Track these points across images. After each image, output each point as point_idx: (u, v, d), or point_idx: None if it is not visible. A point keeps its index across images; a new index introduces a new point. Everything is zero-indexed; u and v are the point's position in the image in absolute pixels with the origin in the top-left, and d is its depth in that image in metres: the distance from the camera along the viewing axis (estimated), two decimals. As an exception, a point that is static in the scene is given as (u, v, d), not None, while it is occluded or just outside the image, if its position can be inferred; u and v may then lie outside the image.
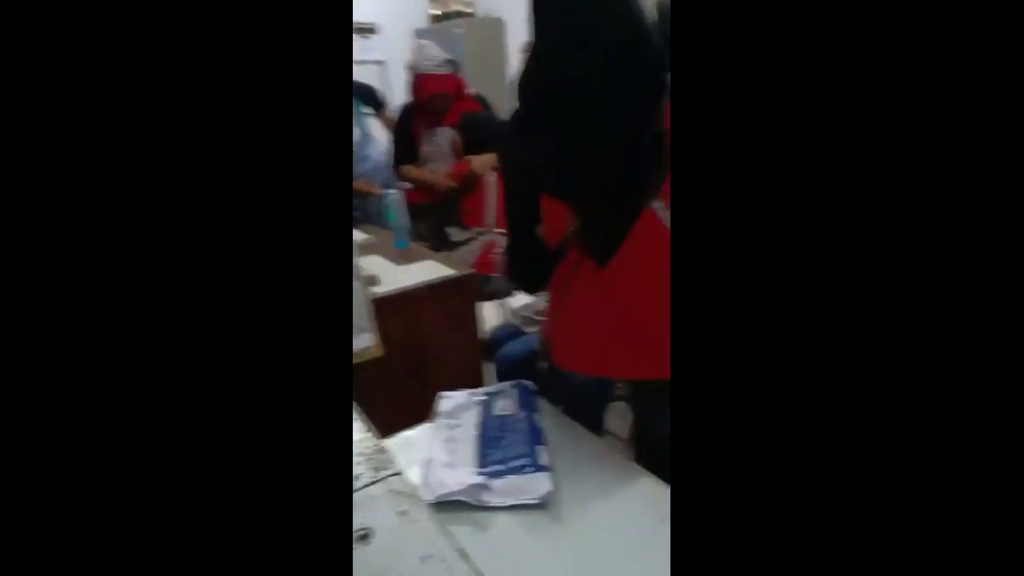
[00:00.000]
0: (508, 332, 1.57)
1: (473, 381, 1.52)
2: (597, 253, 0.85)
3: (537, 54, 0.78)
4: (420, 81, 1.83)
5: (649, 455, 1.04)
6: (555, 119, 0.79)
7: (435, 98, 1.84)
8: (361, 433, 0.68)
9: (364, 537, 0.51)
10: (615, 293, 0.88)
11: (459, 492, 0.80)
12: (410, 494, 0.56)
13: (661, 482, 0.85)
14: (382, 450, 0.63)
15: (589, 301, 0.90)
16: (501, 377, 1.50)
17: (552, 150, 0.81)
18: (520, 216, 0.94)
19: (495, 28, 3.94)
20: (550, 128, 0.80)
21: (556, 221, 0.90)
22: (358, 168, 2.08)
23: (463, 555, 0.51)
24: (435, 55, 1.82)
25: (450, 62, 1.85)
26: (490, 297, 2.04)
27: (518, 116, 0.87)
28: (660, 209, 0.84)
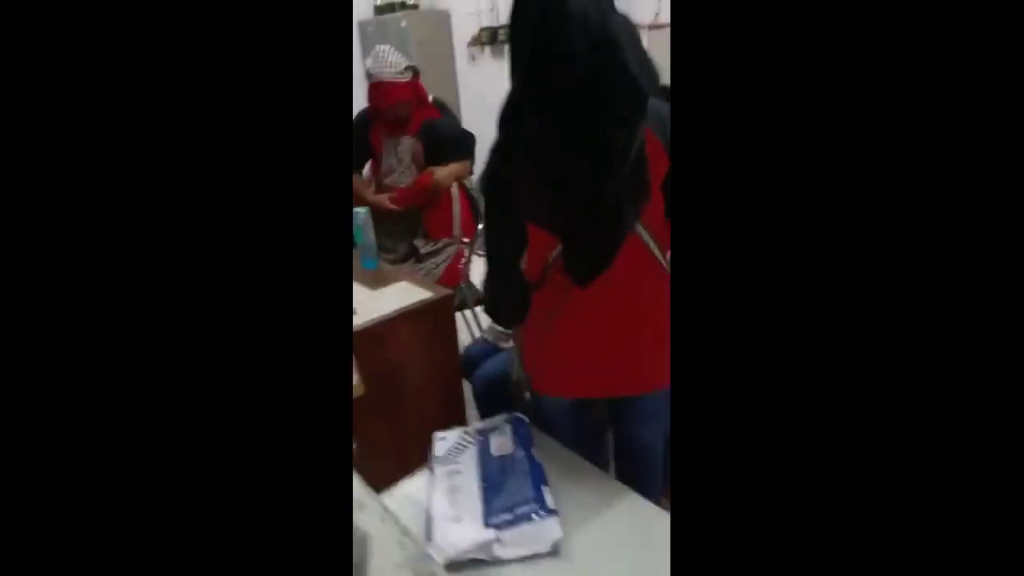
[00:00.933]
0: (482, 350, 1.54)
1: (454, 402, 1.49)
2: (582, 276, 0.86)
3: (522, 83, 0.77)
4: (380, 89, 1.74)
5: (631, 472, 1.05)
6: (543, 145, 0.77)
7: (396, 107, 1.77)
8: (388, 524, 0.58)
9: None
10: (602, 315, 0.89)
11: (472, 551, 0.78)
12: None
13: (662, 511, 0.87)
14: (424, 555, 0.57)
15: (575, 326, 0.91)
16: (479, 398, 1.48)
17: (543, 177, 0.80)
18: (506, 248, 0.92)
19: (440, 20, 3.84)
20: (538, 155, 0.78)
21: (539, 250, 0.89)
22: None
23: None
24: (395, 61, 1.73)
25: (410, 68, 1.78)
26: (458, 308, 2.01)
27: (503, 146, 0.84)
28: (642, 231, 0.85)
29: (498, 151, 0.84)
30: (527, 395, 1.00)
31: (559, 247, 0.86)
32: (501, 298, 0.96)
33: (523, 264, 0.92)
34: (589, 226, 0.80)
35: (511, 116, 0.78)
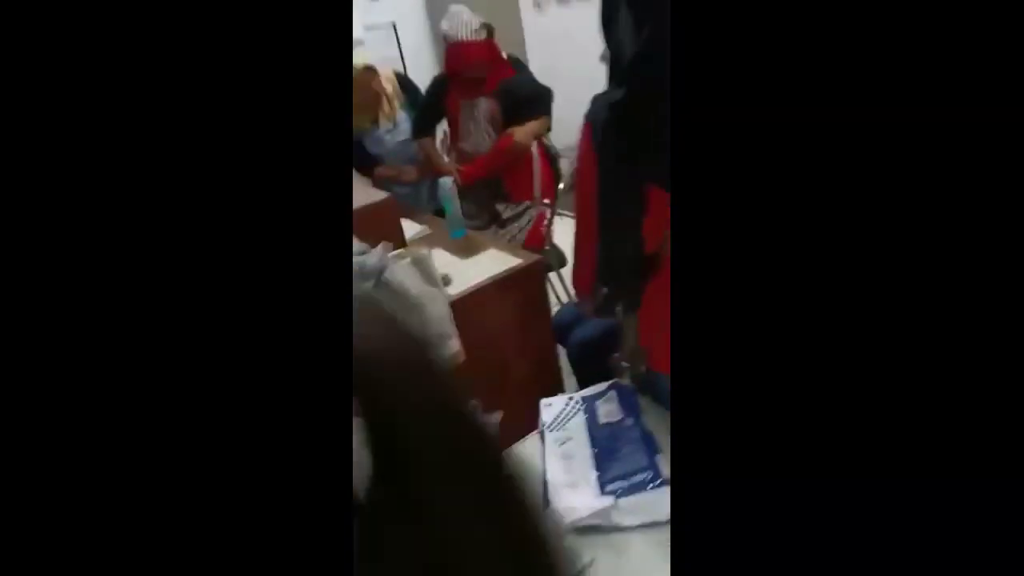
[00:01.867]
0: (573, 314, 1.53)
1: (549, 369, 1.50)
2: None
3: (660, 29, 0.70)
4: (457, 51, 1.71)
5: None
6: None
7: (475, 67, 1.73)
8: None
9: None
10: None
11: (591, 516, 0.79)
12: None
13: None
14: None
15: None
16: (575, 364, 1.48)
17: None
18: (622, 213, 0.87)
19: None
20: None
21: (657, 220, 0.85)
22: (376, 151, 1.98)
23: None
24: (470, 21, 1.69)
25: (485, 26, 1.73)
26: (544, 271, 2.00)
27: (628, 99, 0.78)
28: None
29: (620, 106, 0.77)
30: (640, 368, 0.98)
31: None
32: (622, 270, 0.92)
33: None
34: None
35: (644, 67, 0.71)
